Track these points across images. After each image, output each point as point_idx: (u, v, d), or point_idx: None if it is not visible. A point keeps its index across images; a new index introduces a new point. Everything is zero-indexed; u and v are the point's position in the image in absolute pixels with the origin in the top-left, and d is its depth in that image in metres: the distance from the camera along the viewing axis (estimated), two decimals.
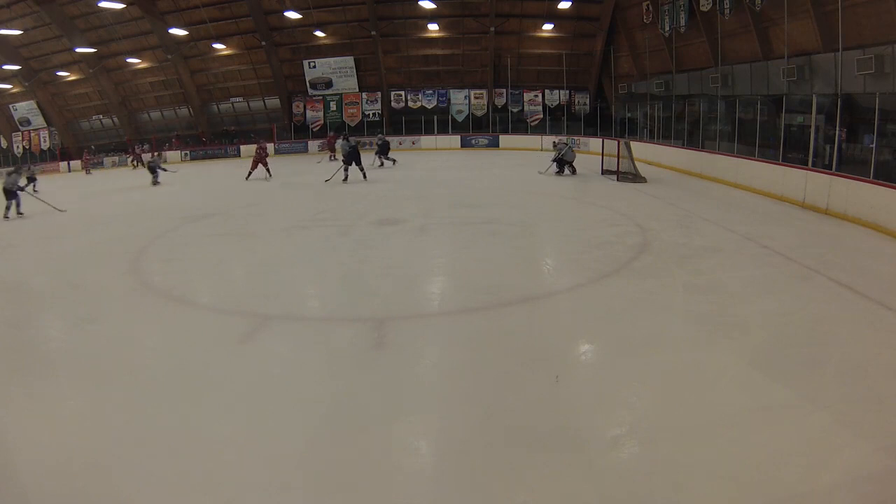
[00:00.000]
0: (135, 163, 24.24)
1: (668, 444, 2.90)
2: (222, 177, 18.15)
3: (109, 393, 3.68)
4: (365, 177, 13.98)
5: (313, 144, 25.96)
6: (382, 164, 17.52)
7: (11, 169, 13.28)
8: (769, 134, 11.82)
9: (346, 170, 13.79)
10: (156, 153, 20.50)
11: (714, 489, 2.57)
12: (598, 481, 2.66)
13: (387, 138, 19.18)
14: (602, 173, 13.67)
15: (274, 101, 26.85)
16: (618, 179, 12.70)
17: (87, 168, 24.59)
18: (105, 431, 3.21)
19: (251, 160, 16.24)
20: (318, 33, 24.42)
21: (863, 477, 2.62)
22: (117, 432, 3.18)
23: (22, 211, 11.85)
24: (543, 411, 3.26)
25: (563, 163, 13.99)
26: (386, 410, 3.34)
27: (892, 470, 2.67)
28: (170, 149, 26.32)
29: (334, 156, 20.62)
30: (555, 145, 15.19)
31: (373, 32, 23.90)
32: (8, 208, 11.80)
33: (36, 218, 11.69)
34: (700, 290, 5.31)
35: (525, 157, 19.18)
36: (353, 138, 14.94)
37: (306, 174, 16.93)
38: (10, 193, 11.90)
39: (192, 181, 17.31)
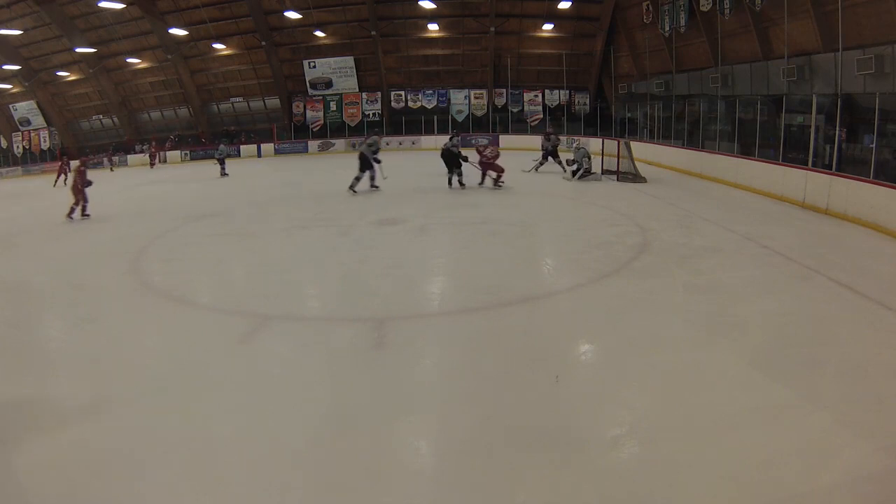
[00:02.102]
0: (153, 162, 24.07)
1: (668, 444, 2.90)
2: (223, 177, 18.14)
3: (109, 393, 3.68)
4: (375, 185, 12.07)
5: (313, 144, 25.98)
6: (579, 171, 13.13)
7: (369, 138, 12.01)
8: (769, 134, 11.83)
9: (364, 175, 11.77)
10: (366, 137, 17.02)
11: (714, 489, 2.57)
12: (598, 481, 2.66)
13: (558, 136, 15.84)
14: (602, 173, 13.66)
15: (274, 101, 26.86)
16: (618, 179, 12.70)
17: (152, 159, 24.33)
18: (105, 431, 3.21)
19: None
20: (318, 33, 24.43)
21: (863, 477, 2.62)
22: (117, 432, 3.18)
23: (377, 184, 11.74)
24: (543, 411, 3.26)
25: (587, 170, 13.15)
26: (386, 410, 3.34)
27: (892, 470, 2.67)
28: (160, 149, 25.97)
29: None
30: (574, 156, 13.47)
31: (373, 32, 23.90)
32: (358, 179, 11.39)
33: (35, 217, 11.69)
34: (700, 290, 5.31)
35: (525, 156, 19.16)
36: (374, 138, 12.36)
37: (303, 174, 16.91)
38: (366, 162, 11.37)
39: (192, 181, 17.31)
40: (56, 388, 3.85)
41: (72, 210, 10.66)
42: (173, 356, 4.25)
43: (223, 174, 17.71)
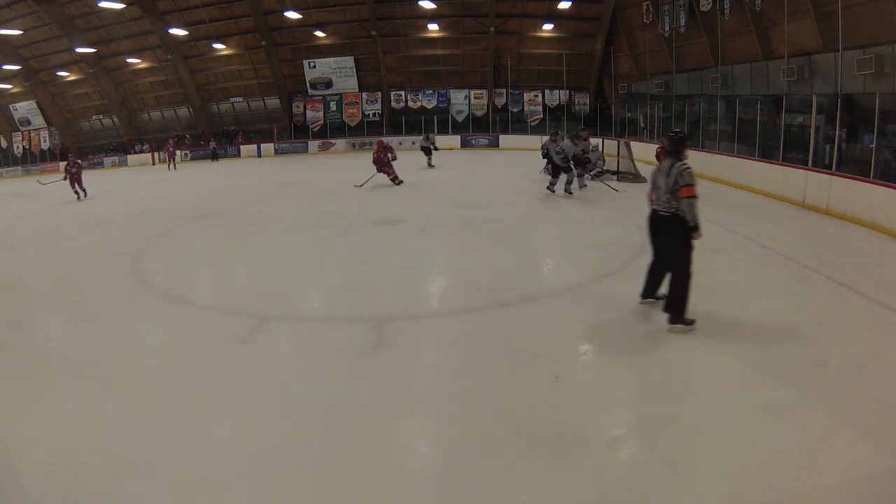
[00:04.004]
0: (170, 163, 23.02)
1: (668, 444, 2.90)
2: (223, 177, 18.16)
3: (109, 393, 3.68)
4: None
5: (313, 145, 25.97)
6: (593, 171, 12.74)
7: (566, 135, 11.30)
8: (769, 134, 11.83)
9: (573, 174, 10.79)
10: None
11: (714, 489, 2.57)
12: (598, 481, 2.66)
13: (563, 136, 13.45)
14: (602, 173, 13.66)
15: (274, 101, 26.85)
16: (618, 179, 12.69)
17: (171, 159, 23.04)
18: (105, 431, 3.21)
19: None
20: (318, 33, 24.42)
21: (863, 477, 2.62)
22: (117, 432, 3.18)
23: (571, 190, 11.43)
24: (543, 411, 3.26)
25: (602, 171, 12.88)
26: (386, 410, 3.34)
27: (892, 470, 2.67)
28: (177, 148, 25.50)
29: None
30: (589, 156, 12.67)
31: (373, 32, 23.91)
32: (569, 183, 10.66)
33: (36, 217, 11.69)
34: (700, 290, 5.28)
35: (525, 157, 19.17)
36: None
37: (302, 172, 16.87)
38: (582, 161, 11.02)
39: (193, 181, 17.31)
40: (56, 388, 3.85)
41: (393, 179, 12.85)
42: (174, 356, 4.25)
43: (430, 165, 16.96)
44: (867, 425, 2.98)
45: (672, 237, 4.10)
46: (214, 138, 26.39)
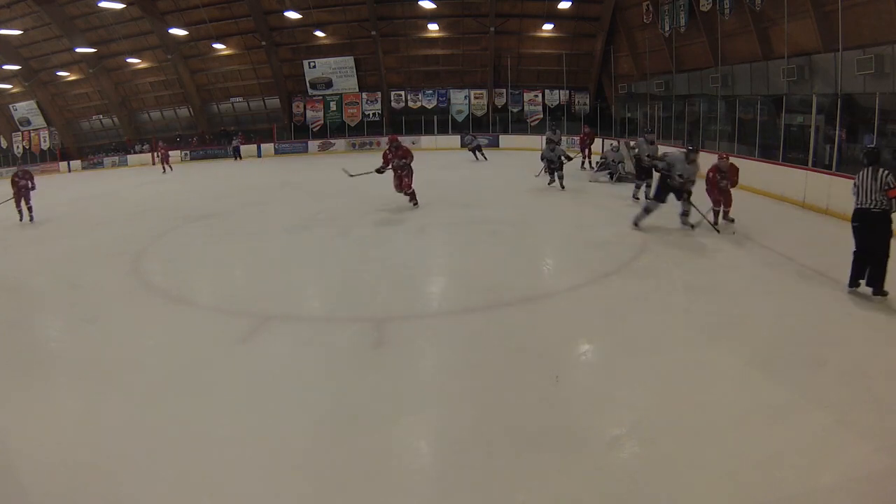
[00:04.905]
0: (164, 165, 21.75)
1: (668, 444, 2.90)
2: (223, 177, 18.16)
3: (109, 393, 3.68)
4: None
5: (313, 145, 25.96)
6: (614, 176, 12.07)
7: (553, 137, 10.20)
8: (769, 134, 11.83)
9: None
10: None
11: (713, 489, 2.57)
12: (598, 481, 2.66)
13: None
14: (597, 170, 13.64)
15: (274, 101, 26.84)
16: (616, 180, 12.68)
17: (165, 161, 21.86)
18: (105, 431, 3.21)
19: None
20: (318, 33, 24.42)
21: (862, 477, 2.62)
22: (117, 432, 3.18)
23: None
24: (543, 411, 3.26)
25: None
26: (386, 410, 3.34)
27: (892, 470, 2.67)
28: (170, 148, 25.33)
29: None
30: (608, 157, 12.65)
31: (373, 32, 23.91)
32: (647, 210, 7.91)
33: (36, 217, 11.68)
34: (700, 290, 5.31)
35: (525, 157, 19.17)
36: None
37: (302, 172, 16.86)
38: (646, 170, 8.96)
39: (192, 181, 17.30)
40: (56, 388, 3.85)
41: (411, 200, 9.90)
42: (173, 356, 4.25)
43: (483, 158, 18.25)
44: (867, 425, 2.98)
45: (881, 228, 4.80)
46: (236, 136, 25.96)
